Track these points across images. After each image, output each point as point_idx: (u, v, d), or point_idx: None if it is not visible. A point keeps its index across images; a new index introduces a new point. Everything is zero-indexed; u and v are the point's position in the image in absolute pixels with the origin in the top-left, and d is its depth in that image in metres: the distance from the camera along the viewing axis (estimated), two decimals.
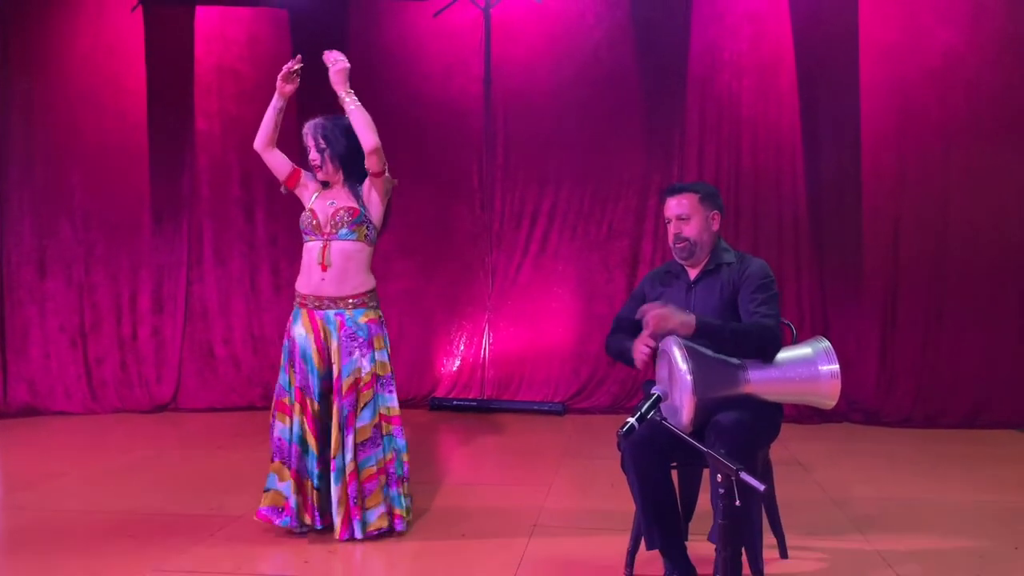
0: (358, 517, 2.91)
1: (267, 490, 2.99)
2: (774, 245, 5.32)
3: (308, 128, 3.16)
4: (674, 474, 2.59)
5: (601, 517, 3.25)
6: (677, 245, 2.63)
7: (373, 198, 3.13)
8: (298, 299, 3.10)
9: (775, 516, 2.76)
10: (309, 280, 3.05)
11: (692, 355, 2.33)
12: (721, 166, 5.43)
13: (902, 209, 5.20)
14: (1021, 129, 5.07)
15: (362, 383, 2.99)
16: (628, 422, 2.14)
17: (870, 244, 5.25)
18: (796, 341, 2.63)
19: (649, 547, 2.44)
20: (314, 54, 5.68)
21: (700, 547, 2.62)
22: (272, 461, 3.01)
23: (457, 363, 5.82)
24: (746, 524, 2.33)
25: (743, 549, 2.35)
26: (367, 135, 3.03)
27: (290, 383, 3.03)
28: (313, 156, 3.11)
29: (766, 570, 2.47)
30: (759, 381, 2.41)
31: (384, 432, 3.04)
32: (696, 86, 5.49)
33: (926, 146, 5.17)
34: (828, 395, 2.42)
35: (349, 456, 2.91)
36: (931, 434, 4.90)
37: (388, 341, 3.14)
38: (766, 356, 2.43)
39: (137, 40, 5.64)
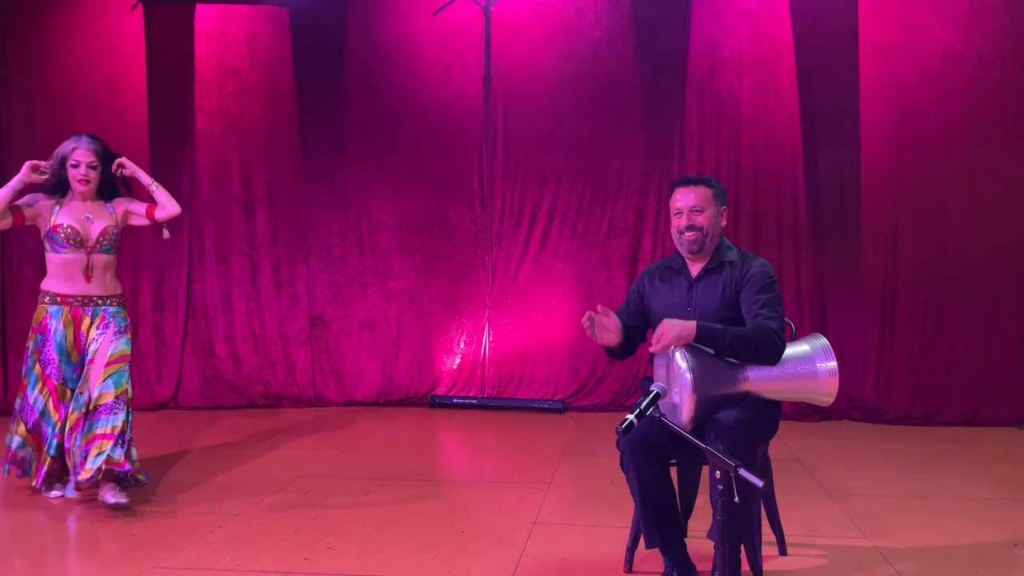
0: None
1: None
2: (773, 243, 5.33)
3: (83, 144, 3.50)
4: (673, 472, 2.59)
5: (601, 514, 3.26)
6: (687, 236, 2.59)
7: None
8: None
9: (774, 513, 2.77)
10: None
11: (692, 353, 2.33)
12: (721, 165, 5.44)
13: (901, 208, 5.21)
14: (1020, 129, 5.09)
15: None
16: (627, 419, 2.14)
17: (869, 242, 5.26)
18: (795, 338, 2.64)
19: (649, 545, 2.44)
20: (314, 51, 5.72)
21: (699, 545, 2.63)
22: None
23: (457, 361, 5.83)
24: (745, 521, 2.34)
25: (742, 546, 2.36)
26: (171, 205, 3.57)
27: None
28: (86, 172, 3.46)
29: (765, 567, 2.48)
30: (758, 379, 2.42)
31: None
32: (696, 85, 5.50)
33: (925, 146, 5.18)
34: (826, 392, 2.43)
35: None
36: (930, 431, 4.91)
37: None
38: (770, 359, 2.42)
39: (137, 39, 5.65)
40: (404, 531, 3.09)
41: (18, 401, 3.54)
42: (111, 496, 3.27)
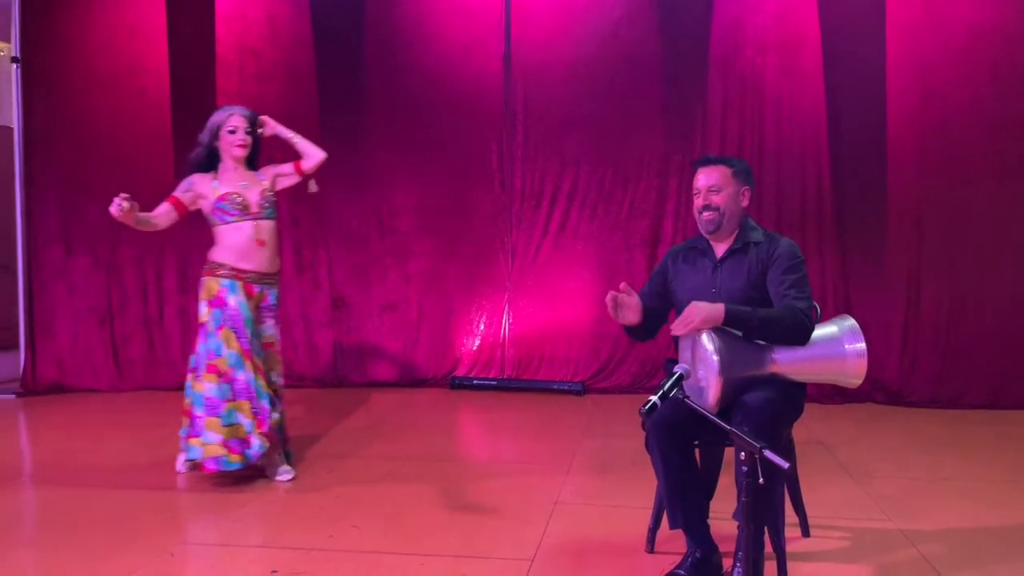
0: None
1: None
2: (797, 224, 5.27)
3: (237, 111, 3.58)
4: (696, 453, 2.59)
5: (622, 495, 3.26)
6: (704, 215, 2.56)
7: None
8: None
9: (797, 495, 2.76)
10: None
11: (718, 336, 2.32)
12: (744, 145, 5.38)
13: (926, 189, 5.13)
14: None
15: None
16: (650, 400, 2.13)
17: (894, 223, 5.19)
18: (819, 320, 2.61)
19: (672, 526, 2.44)
20: (333, 32, 5.65)
21: (722, 526, 2.63)
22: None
23: (477, 342, 5.85)
24: (769, 502, 2.33)
25: (765, 527, 2.36)
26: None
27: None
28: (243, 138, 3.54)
29: (788, 548, 2.47)
30: (786, 361, 2.40)
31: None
32: (718, 64, 5.43)
33: (951, 126, 5.09)
34: (854, 374, 2.40)
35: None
36: (954, 414, 4.87)
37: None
38: (798, 341, 2.39)
39: (159, 19, 5.67)
40: (426, 510, 3.12)
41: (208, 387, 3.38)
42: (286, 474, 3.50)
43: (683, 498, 2.42)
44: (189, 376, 3.46)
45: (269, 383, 3.49)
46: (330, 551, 2.69)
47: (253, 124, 3.57)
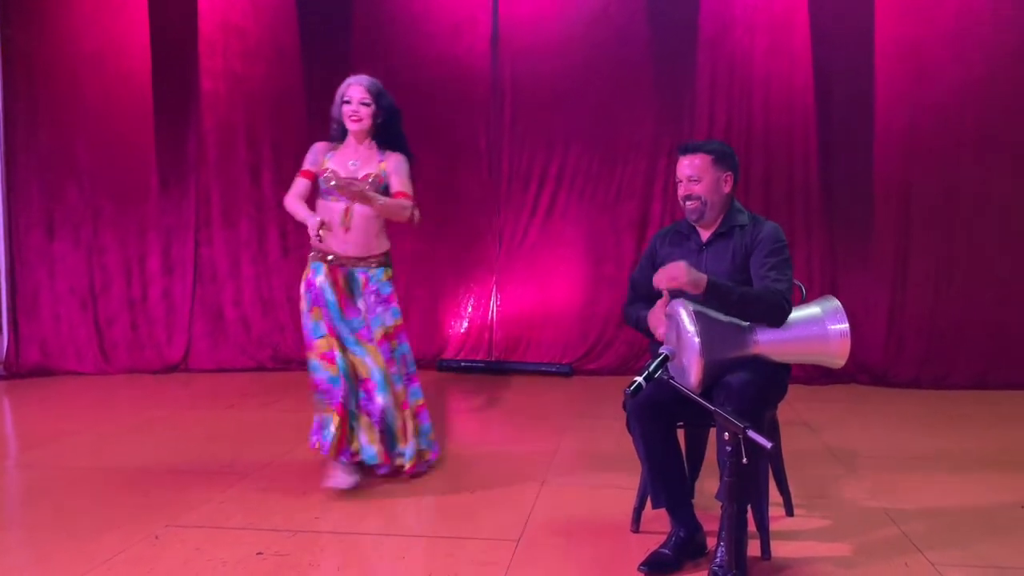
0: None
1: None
2: (784, 205, 5.27)
3: (356, 80, 3.31)
4: (681, 435, 2.60)
5: (608, 476, 3.28)
6: (687, 204, 2.57)
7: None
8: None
9: (781, 475, 2.78)
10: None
11: (699, 317, 2.32)
12: (732, 126, 5.37)
13: (914, 169, 5.14)
14: None
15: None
16: (635, 381, 2.14)
17: (881, 204, 5.20)
18: (805, 301, 2.62)
19: (655, 506, 2.46)
20: (318, 9, 5.55)
21: (706, 506, 2.65)
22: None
23: (465, 325, 5.83)
24: (752, 482, 2.34)
25: (749, 507, 2.37)
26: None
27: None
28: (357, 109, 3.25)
29: (772, 527, 2.49)
30: (768, 342, 2.40)
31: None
32: (707, 44, 5.40)
33: (940, 106, 5.09)
34: (838, 354, 2.41)
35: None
36: (939, 395, 4.90)
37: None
38: (775, 322, 2.39)
39: None
40: (414, 491, 3.12)
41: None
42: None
43: (666, 478, 2.43)
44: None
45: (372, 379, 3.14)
46: (316, 533, 2.69)
47: (379, 96, 3.26)
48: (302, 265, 5.76)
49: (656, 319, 2.49)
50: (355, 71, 5.89)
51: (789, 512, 2.81)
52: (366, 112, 3.23)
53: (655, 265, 2.68)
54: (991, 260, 5.05)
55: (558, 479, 3.27)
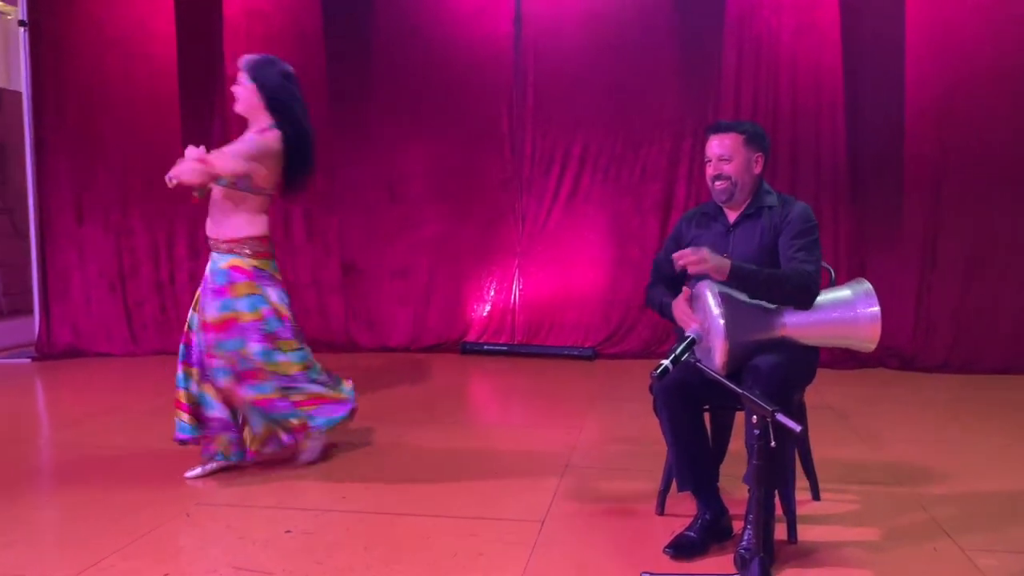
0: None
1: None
2: (811, 186, 5.20)
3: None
4: (707, 418, 2.58)
5: (632, 458, 3.28)
6: (716, 185, 2.53)
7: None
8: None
9: (808, 459, 2.76)
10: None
11: (725, 299, 2.30)
12: (758, 106, 5.30)
13: (946, 150, 5.03)
14: None
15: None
16: (662, 364, 2.13)
17: (911, 186, 5.11)
18: (834, 284, 2.58)
19: (680, 488, 2.45)
20: None
21: (732, 489, 2.64)
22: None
23: (488, 308, 5.84)
24: (780, 466, 2.33)
25: (776, 491, 2.36)
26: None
27: None
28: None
29: (799, 511, 2.48)
30: (796, 325, 2.38)
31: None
32: (733, 24, 5.32)
33: (972, 84, 4.97)
34: (868, 338, 2.38)
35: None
36: (968, 380, 4.84)
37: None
38: (802, 304, 2.36)
39: None
40: (438, 473, 3.14)
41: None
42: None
43: (692, 461, 2.42)
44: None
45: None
46: (343, 512, 2.72)
47: (255, 71, 3.06)
48: (326, 249, 5.89)
49: (681, 312, 2.46)
50: (377, 55, 5.95)
51: (816, 496, 2.79)
52: (239, 93, 3.07)
53: (681, 246, 2.66)
54: (1023, 242, 4.95)
55: (582, 461, 3.28)
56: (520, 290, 5.81)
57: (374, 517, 2.69)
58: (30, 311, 5.98)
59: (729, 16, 5.32)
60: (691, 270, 2.34)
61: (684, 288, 2.47)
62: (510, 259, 5.81)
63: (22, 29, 5.74)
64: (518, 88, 5.68)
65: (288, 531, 2.55)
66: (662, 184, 5.52)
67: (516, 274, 5.81)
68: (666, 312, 2.56)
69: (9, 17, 6.10)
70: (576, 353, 5.55)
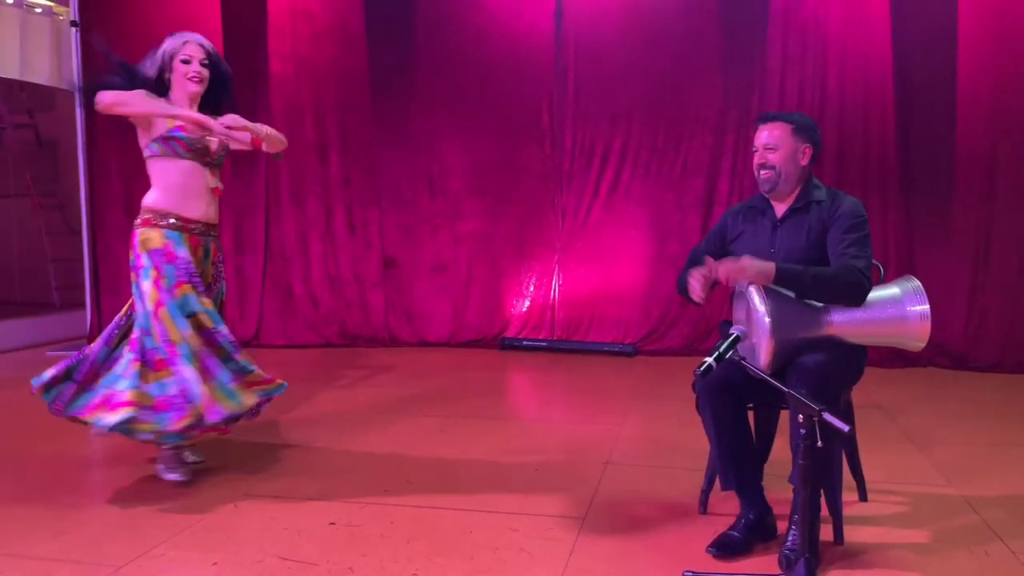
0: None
1: None
2: (858, 181, 5.09)
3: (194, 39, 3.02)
4: (751, 416, 2.55)
5: (674, 456, 3.25)
6: (761, 174, 2.49)
7: None
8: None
9: (855, 459, 2.71)
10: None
11: (770, 296, 2.26)
12: (804, 99, 5.19)
13: (999, 141, 4.89)
14: None
15: None
16: (705, 362, 2.11)
17: (963, 179, 4.97)
18: (883, 281, 2.53)
19: (724, 487, 2.43)
20: None
21: (776, 489, 2.60)
22: None
23: (527, 304, 5.84)
24: (826, 466, 2.29)
25: (822, 491, 2.32)
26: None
27: None
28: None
29: (845, 513, 2.43)
30: (843, 323, 2.33)
31: None
32: (778, 14, 5.22)
33: None
34: (917, 337, 2.32)
35: None
36: (1021, 380, 4.69)
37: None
38: (854, 301, 2.32)
39: None
40: (478, 468, 3.16)
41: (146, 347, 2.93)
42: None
43: (736, 459, 2.39)
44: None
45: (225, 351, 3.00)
46: (385, 505, 2.75)
47: (212, 57, 3.00)
48: (367, 243, 5.94)
49: (693, 277, 2.39)
50: (418, 51, 5.97)
51: (863, 497, 2.74)
52: (206, 74, 2.98)
53: (725, 240, 2.63)
54: None
55: (623, 459, 3.26)
56: (560, 285, 5.80)
57: (416, 511, 2.71)
58: (83, 305, 6.15)
59: (774, 6, 5.22)
60: (732, 280, 2.31)
61: (708, 259, 2.39)
62: (550, 254, 5.80)
63: (74, 29, 5.90)
64: (558, 82, 5.66)
65: (332, 523, 2.59)
66: (704, 179, 5.45)
67: (556, 269, 5.79)
68: (681, 284, 2.49)
69: (61, 18, 6.27)
70: (616, 349, 5.52)
